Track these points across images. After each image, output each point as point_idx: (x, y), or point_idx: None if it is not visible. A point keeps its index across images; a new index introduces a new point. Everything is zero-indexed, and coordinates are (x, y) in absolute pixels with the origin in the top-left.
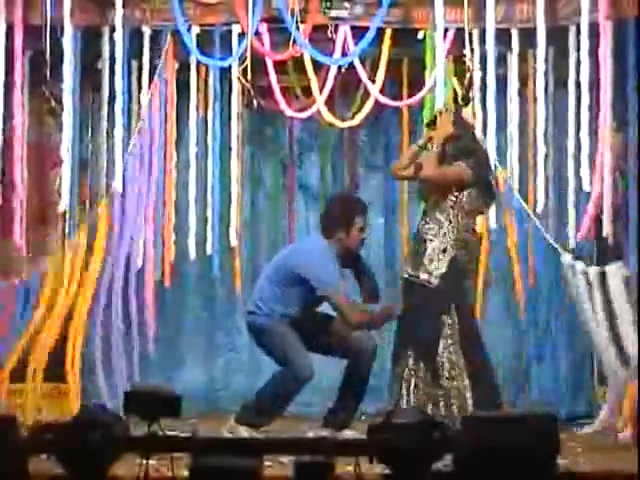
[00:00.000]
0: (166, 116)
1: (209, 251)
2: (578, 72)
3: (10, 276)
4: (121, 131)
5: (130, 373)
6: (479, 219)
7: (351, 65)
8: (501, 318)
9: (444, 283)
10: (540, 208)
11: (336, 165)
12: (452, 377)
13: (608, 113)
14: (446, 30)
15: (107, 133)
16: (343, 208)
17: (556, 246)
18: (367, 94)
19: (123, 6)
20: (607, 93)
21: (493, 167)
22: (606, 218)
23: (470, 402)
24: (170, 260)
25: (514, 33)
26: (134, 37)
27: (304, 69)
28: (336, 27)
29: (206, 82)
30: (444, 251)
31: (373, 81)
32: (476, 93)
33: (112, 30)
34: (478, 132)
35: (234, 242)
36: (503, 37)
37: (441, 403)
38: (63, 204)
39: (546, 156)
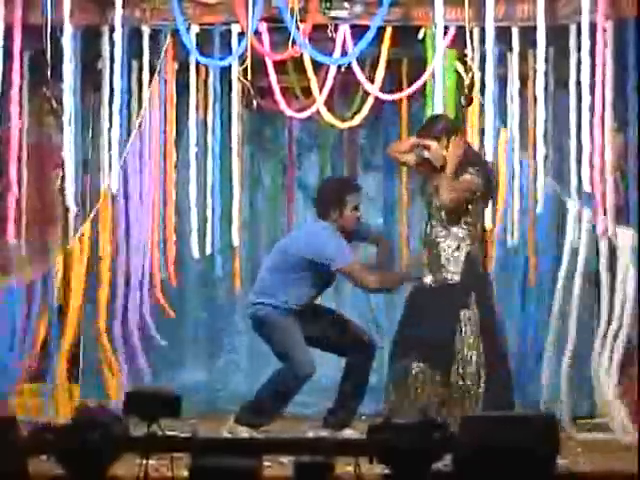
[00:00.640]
0: (166, 116)
1: (209, 251)
2: (578, 72)
3: (10, 276)
4: (118, 131)
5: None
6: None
7: (351, 65)
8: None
9: (464, 278)
10: (540, 208)
11: (335, 165)
12: (464, 376)
13: (608, 113)
14: (446, 28)
15: (108, 133)
16: (333, 188)
17: None
18: (367, 94)
19: (123, 6)
20: (607, 93)
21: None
22: (607, 218)
23: (481, 402)
24: (173, 260)
25: (514, 32)
26: (134, 37)
27: (304, 69)
28: (336, 27)
29: (206, 82)
30: (458, 248)
31: (373, 81)
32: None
33: (112, 30)
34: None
35: (236, 242)
36: (503, 36)
37: (449, 402)
38: (68, 204)
39: (546, 156)
